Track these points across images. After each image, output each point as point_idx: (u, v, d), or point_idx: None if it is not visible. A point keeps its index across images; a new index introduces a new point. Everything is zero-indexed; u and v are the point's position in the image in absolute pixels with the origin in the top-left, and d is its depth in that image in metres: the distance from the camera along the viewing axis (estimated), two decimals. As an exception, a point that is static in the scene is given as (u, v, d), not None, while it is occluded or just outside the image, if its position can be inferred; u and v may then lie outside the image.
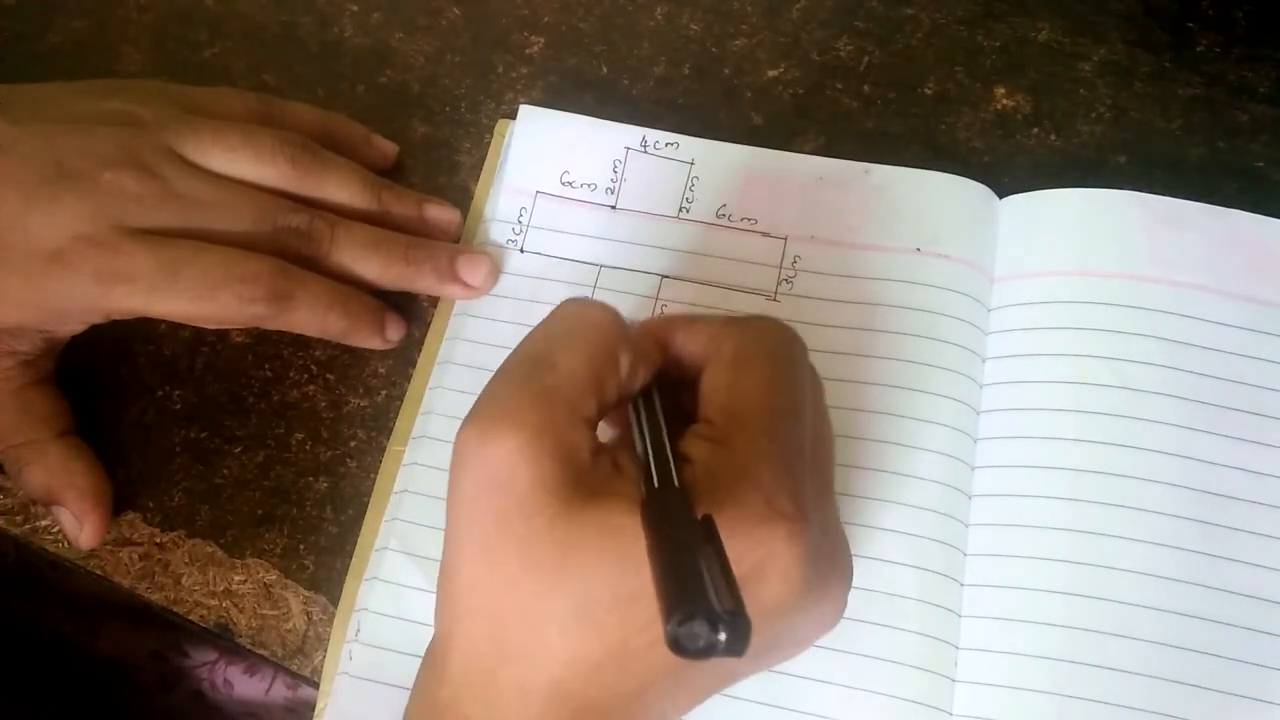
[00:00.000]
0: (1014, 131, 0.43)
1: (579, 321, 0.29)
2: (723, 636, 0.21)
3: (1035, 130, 0.43)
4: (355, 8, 0.47)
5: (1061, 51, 0.44)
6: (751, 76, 0.45)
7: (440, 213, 0.41)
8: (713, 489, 0.26)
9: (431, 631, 0.31)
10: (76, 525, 0.37)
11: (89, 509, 0.37)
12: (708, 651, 0.21)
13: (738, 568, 0.23)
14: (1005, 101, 0.43)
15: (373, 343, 0.39)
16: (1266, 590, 0.34)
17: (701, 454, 0.27)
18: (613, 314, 0.29)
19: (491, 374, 0.31)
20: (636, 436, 0.28)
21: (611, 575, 0.26)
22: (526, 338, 0.29)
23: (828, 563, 0.28)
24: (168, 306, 0.35)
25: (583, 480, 0.26)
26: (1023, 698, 0.33)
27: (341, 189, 0.39)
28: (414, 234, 0.40)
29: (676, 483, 0.26)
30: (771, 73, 0.45)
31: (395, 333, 0.40)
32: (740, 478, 0.26)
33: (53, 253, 0.34)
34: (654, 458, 0.27)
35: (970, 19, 0.45)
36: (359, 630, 0.36)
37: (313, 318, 0.37)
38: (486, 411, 0.27)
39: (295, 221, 0.37)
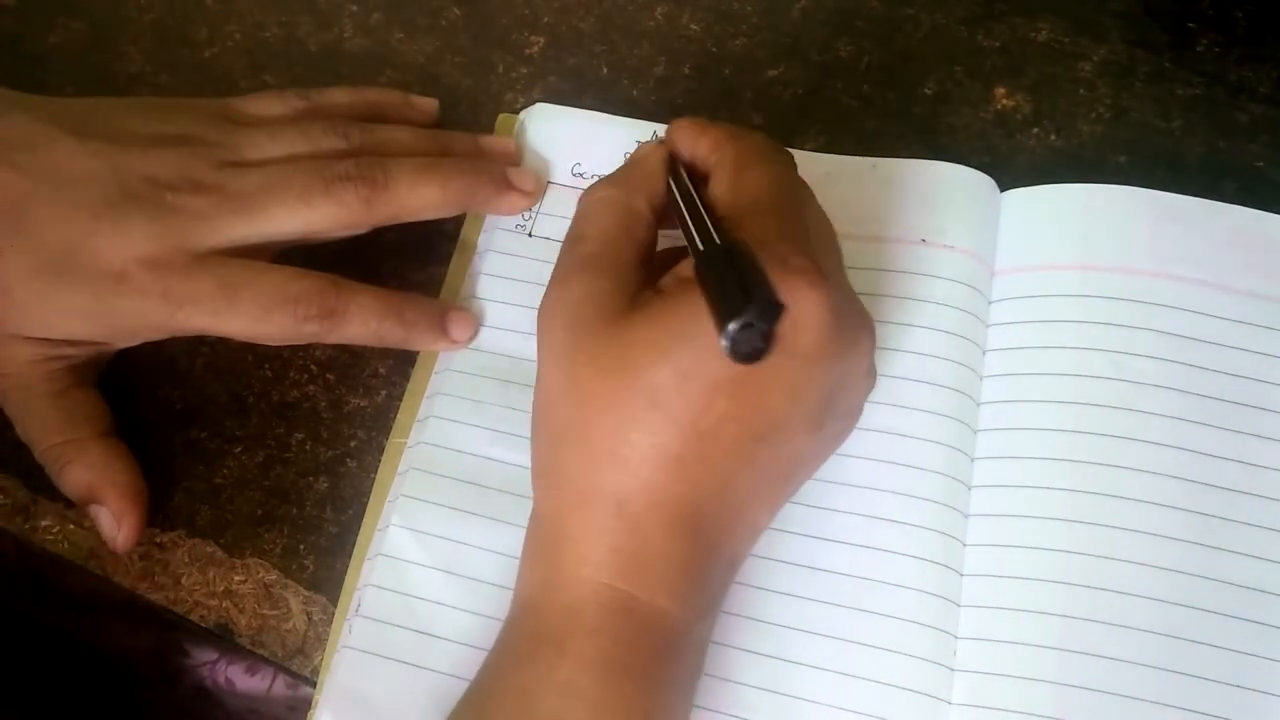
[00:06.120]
0: (1014, 131, 0.43)
1: (594, 202, 0.34)
2: (759, 321, 0.24)
3: (1035, 130, 0.43)
4: (355, 8, 0.47)
5: (1061, 51, 0.44)
6: (751, 76, 0.45)
7: (498, 144, 0.42)
8: None
9: (430, 607, 0.35)
10: (115, 525, 0.37)
11: (128, 508, 0.37)
12: (757, 340, 0.24)
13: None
14: (1005, 101, 0.43)
15: (438, 345, 0.39)
16: (1265, 582, 0.34)
17: None
18: (620, 184, 0.34)
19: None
20: (678, 219, 0.32)
21: (668, 356, 0.28)
22: (567, 233, 0.34)
23: (851, 314, 0.31)
24: (229, 327, 0.36)
25: (637, 298, 0.30)
26: (1021, 687, 0.33)
27: (397, 149, 0.40)
28: None
29: (717, 239, 0.29)
30: (771, 73, 0.45)
31: (462, 331, 0.39)
32: (756, 250, 0.29)
33: (119, 274, 0.35)
34: (694, 225, 0.30)
35: (970, 19, 0.45)
36: (360, 605, 0.36)
37: (366, 329, 0.37)
38: (547, 291, 0.32)
39: (343, 170, 0.37)
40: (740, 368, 0.26)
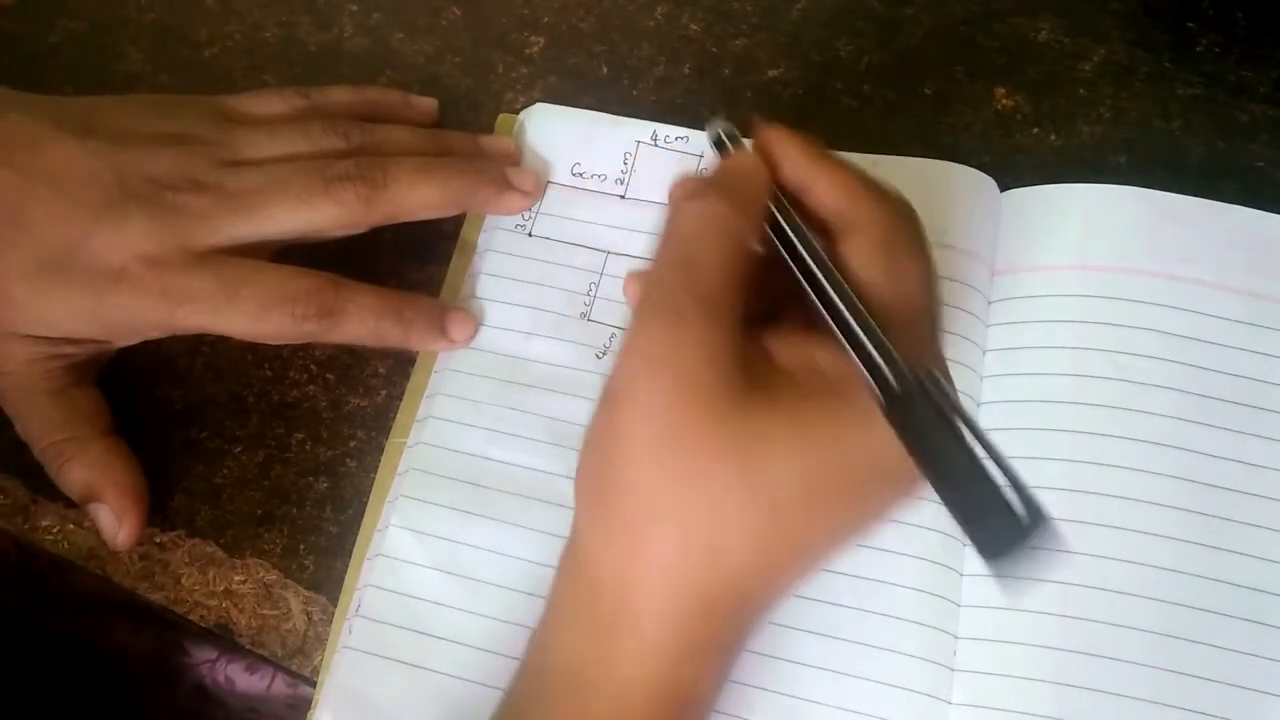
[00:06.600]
0: (1014, 131, 0.43)
1: (705, 219, 0.28)
2: (1035, 540, 0.22)
3: (1035, 130, 0.43)
4: (355, 8, 0.47)
5: (1061, 51, 0.44)
6: (751, 76, 0.45)
7: (498, 144, 0.42)
8: None
9: (430, 608, 0.35)
10: (115, 524, 0.37)
11: (129, 506, 0.37)
12: (1028, 560, 0.22)
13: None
14: (1005, 101, 0.43)
15: (437, 345, 0.39)
16: (1264, 582, 0.34)
17: None
18: (732, 201, 0.29)
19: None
20: (800, 277, 0.28)
21: (803, 468, 0.26)
22: (662, 246, 0.29)
23: None
24: (228, 325, 0.36)
25: (749, 365, 0.26)
26: (1021, 686, 0.34)
27: (397, 148, 0.40)
28: None
29: (873, 335, 0.26)
30: (771, 73, 0.45)
31: (461, 331, 0.39)
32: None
33: (118, 272, 0.35)
34: (837, 313, 0.26)
35: (970, 19, 0.45)
36: (360, 605, 0.36)
37: (365, 329, 0.37)
38: (649, 316, 0.27)
39: (343, 169, 0.37)
40: (869, 488, 0.25)
